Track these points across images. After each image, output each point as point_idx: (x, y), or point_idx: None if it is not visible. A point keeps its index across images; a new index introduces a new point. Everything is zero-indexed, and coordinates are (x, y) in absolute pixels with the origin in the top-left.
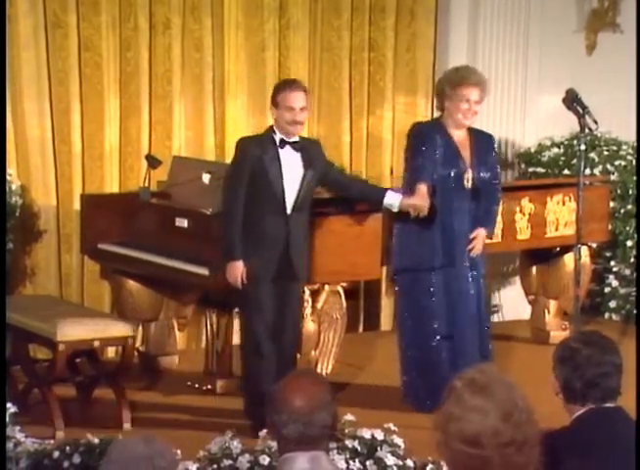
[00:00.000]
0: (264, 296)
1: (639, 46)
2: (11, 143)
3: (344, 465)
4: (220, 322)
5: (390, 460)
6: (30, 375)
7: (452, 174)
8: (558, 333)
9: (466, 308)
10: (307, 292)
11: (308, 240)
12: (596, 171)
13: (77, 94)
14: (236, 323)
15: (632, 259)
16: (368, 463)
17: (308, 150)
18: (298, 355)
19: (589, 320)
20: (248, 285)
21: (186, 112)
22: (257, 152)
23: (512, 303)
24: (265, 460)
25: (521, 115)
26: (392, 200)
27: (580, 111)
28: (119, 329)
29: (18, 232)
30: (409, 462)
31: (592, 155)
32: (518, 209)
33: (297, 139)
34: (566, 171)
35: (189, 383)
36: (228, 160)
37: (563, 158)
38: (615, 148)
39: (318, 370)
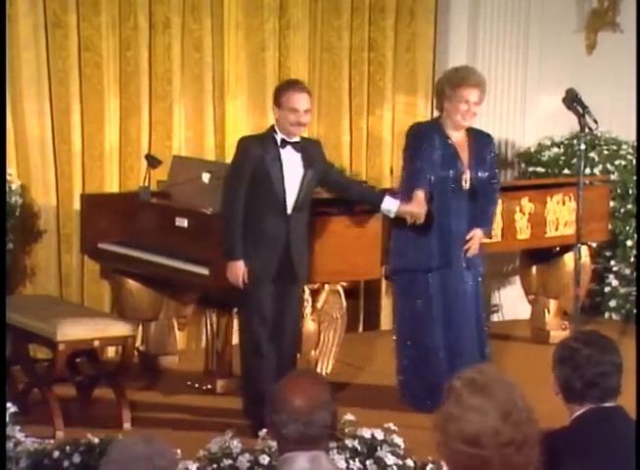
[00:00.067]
0: (264, 296)
1: (639, 46)
2: (11, 143)
3: (344, 465)
4: (220, 322)
5: (390, 460)
6: (30, 375)
7: (450, 175)
8: (558, 333)
9: (463, 309)
10: (307, 292)
11: (308, 240)
12: (596, 171)
13: (77, 94)
14: (236, 323)
15: (632, 259)
16: (368, 463)
17: (309, 150)
18: (298, 355)
19: (589, 320)
20: (248, 285)
21: (186, 112)
22: (259, 151)
23: (512, 302)
24: (265, 460)
25: (521, 114)
26: (390, 205)
27: (580, 110)
28: (119, 329)
29: (18, 232)
30: (409, 462)
31: (592, 154)
32: (518, 208)
33: (297, 139)
34: (566, 171)
35: (189, 383)
36: (228, 159)
37: (563, 157)
38: (615, 147)
39: (318, 370)
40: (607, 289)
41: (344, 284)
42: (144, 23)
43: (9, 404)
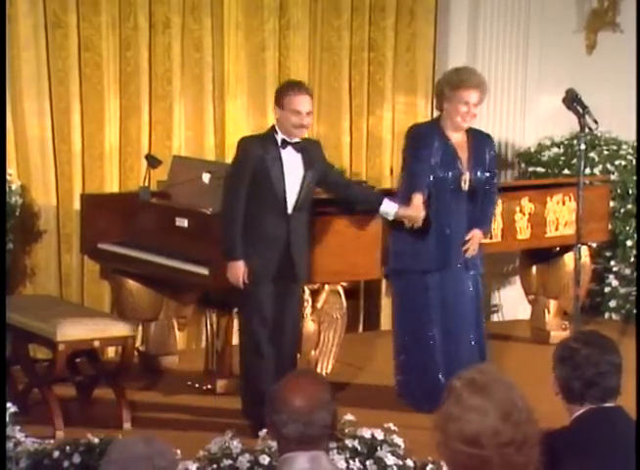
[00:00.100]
0: (264, 296)
1: (639, 46)
2: (11, 143)
3: (344, 465)
4: (220, 322)
5: (390, 460)
6: (30, 375)
7: (450, 176)
8: (558, 333)
9: (462, 310)
10: (307, 292)
11: (309, 240)
12: (596, 171)
13: (77, 94)
14: (236, 323)
15: (632, 259)
16: (368, 463)
17: (309, 150)
18: (298, 355)
19: (589, 320)
20: (248, 285)
21: (186, 112)
22: (259, 152)
23: (512, 302)
24: (265, 460)
25: (521, 114)
26: (389, 209)
27: (580, 110)
28: (119, 329)
29: (18, 232)
30: (409, 462)
31: (592, 154)
32: (518, 208)
33: (298, 140)
34: (566, 171)
35: (189, 383)
36: (228, 159)
37: (563, 157)
38: (615, 147)
39: (318, 370)
40: (607, 289)
41: (344, 284)
42: (144, 23)
43: (9, 404)
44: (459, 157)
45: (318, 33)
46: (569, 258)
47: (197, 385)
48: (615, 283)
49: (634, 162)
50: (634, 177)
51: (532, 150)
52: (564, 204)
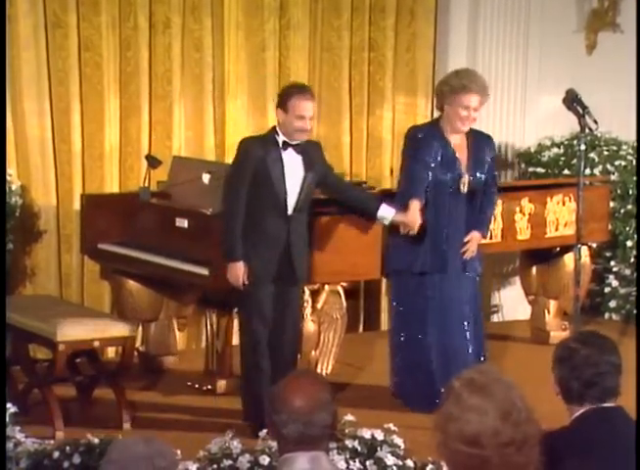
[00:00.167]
0: (264, 296)
1: (639, 46)
2: (11, 143)
3: (344, 465)
4: (220, 322)
5: (390, 460)
6: (30, 375)
7: (449, 179)
8: (558, 333)
9: (460, 312)
10: (307, 292)
11: (308, 240)
12: (596, 171)
13: (77, 94)
14: (236, 323)
15: (632, 259)
16: (368, 463)
17: (309, 152)
18: (299, 356)
19: (589, 320)
20: (248, 285)
21: (186, 112)
22: (260, 153)
23: (512, 303)
24: (265, 460)
25: (521, 115)
26: (386, 213)
27: (580, 111)
28: (119, 329)
29: (18, 232)
30: (409, 462)
31: (592, 155)
32: (518, 209)
33: (299, 141)
34: (566, 171)
35: (189, 383)
36: (228, 160)
37: (563, 158)
38: (615, 148)
39: (318, 370)
40: (607, 289)
41: (344, 284)
42: (144, 23)
43: (9, 405)
44: (458, 159)
45: (318, 33)
46: (569, 259)
47: (197, 385)
48: (615, 283)
49: (634, 162)
50: (634, 178)
51: (532, 150)
52: (564, 204)
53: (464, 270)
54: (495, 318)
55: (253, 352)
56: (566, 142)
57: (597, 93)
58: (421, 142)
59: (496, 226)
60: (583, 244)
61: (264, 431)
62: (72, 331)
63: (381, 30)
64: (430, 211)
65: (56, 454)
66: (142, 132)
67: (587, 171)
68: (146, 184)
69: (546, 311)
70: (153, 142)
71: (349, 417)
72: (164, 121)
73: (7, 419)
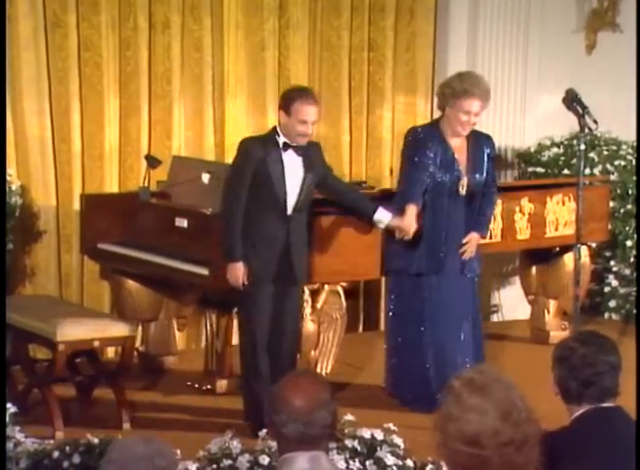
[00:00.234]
0: (264, 296)
1: (639, 46)
2: (11, 143)
3: (344, 465)
4: (220, 322)
5: (390, 460)
6: (30, 375)
7: (447, 180)
8: (557, 333)
9: (457, 313)
10: (307, 292)
11: (308, 241)
12: (596, 171)
13: (77, 94)
14: (236, 323)
15: (632, 259)
16: (368, 463)
17: (309, 153)
18: (298, 356)
19: (589, 320)
20: (247, 286)
21: (186, 111)
22: (261, 153)
23: (512, 303)
24: (265, 460)
25: (520, 114)
26: (382, 217)
27: (580, 110)
28: (119, 329)
29: (18, 232)
30: (409, 462)
31: (592, 155)
32: (517, 208)
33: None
34: (565, 171)
35: (189, 383)
36: (228, 159)
37: (563, 157)
38: (614, 148)
39: (318, 370)
40: (607, 289)
41: (344, 284)
42: (144, 23)
43: (9, 405)
44: (457, 160)
45: (318, 33)
46: (568, 259)
47: (197, 385)
48: (614, 283)
49: (634, 162)
50: (634, 177)
51: (532, 150)
52: (563, 204)
53: (462, 271)
54: (495, 318)
55: (253, 352)
56: (565, 142)
57: (597, 93)
58: (420, 143)
59: (496, 226)
60: (583, 244)
61: (264, 431)
62: (72, 331)
63: (380, 30)
64: (428, 212)
65: (56, 454)
66: (142, 132)
67: (587, 171)
68: (146, 184)
69: (546, 311)
70: (152, 142)
71: (349, 417)
72: (164, 121)
73: (7, 419)
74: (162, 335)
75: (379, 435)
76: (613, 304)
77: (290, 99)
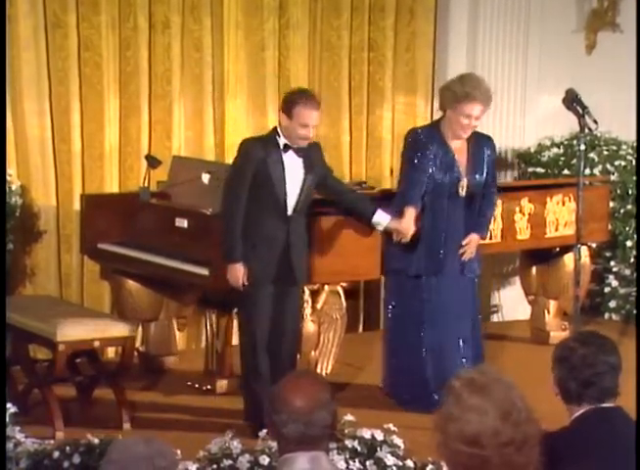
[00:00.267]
0: (264, 296)
1: (639, 46)
2: (11, 143)
3: (344, 465)
4: (220, 322)
5: (390, 460)
6: (30, 375)
7: (447, 182)
8: (558, 333)
9: (457, 314)
10: (307, 292)
11: (308, 241)
12: (596, 171)
13: (77, 94)
14: (236, 323)
15: (632, 259)
16: (368, 463)
17: (309, 154)
18: (298, 356)
19: (589, 320)
20: (247, 286)
21: (186, 111)
22: (261, 154)
23: (512, 303)
24: (265, 460)
25: (520, 114)
26: (380, 219)
27: (580, 111)
28: (119, 329)
29: (18, 232)
30: (409, 463)
31: (592, 155)
32: (517, 209)
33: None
34: (565, 171)
35: (189, 383)
36: (228, 159)
37: (563, 158)
38: (614, 148)
39: (318, 370)
40: (607, 289)
41: (344, 284)
42: (144, 23)
43: (9, 405)
44: (457, 162)
45: (318, 33)
46: (568, 259)
47: (197, 385)
48: (614, 283)
49: (634, 162)
50: (634, 178)
51: (532, 150)
52: (563, 204)
53: (462, 272)
54: (495, 318)
55: (253, 353)
56: (565, 142)
57: (597, 93)
58: (420, 145)
59: (496, 226)
60: (583, 244)
61: (264, 431)
62: (72, 331)
63: (380, 30)
64: (428, 214)
65: (56, 454)
66: (142, 132)
67: (587, 171)
68: (146, 184)
69: (546, 311)
70: (152, 142)
71: (349, 417)
72: (164, 121)
73: (7, 419)
74: (163, 335)
75: (379, 435)
76: (613, 304)
77: (292, 102)
